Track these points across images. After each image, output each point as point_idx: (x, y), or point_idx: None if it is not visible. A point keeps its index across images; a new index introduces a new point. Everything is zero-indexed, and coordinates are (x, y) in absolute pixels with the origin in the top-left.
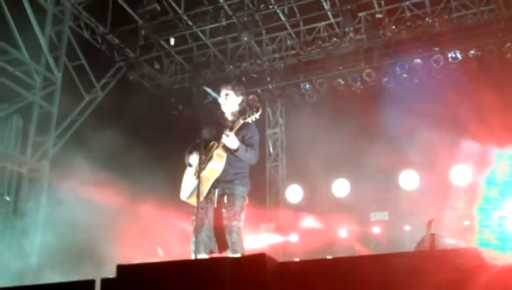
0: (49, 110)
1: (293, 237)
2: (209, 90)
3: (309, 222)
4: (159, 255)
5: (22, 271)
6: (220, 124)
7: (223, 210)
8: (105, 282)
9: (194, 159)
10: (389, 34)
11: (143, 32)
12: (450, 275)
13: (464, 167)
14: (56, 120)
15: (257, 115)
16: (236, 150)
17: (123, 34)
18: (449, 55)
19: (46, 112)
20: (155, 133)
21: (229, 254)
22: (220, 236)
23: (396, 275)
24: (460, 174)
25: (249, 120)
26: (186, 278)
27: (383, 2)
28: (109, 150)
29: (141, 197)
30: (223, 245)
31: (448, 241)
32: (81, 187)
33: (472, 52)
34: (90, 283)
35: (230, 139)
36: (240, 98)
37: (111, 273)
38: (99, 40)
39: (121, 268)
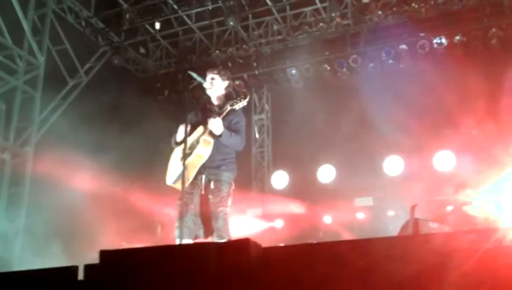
0: (32, 95)
1: (279, 223)
2: (194, 75)
3: (294, 207)
4: (157, 234)
5: (6, 257)
6: (206, 109)
7: (210, 196)
8: (88, 268)
9: (181, 136)
10: (376, 20)
11: (128, 16)
12: (433, 259)
13: (448, 152)
14: (39, 105)
15: (245, 102)
16: (220, 136)
17: (107, 17)
18: (434, 40)
19: (29, 97)
20: (140, 118)
21: (215, 239)
22: (207, 222)
23: (380, 259)
24: (444, 160)
25: (236, 107)
26: (170, 263)
27: None
28: (93, 135)
29: (126, 182)
30: (209, 231)
31: (432, 225)
32: (65, 173)
33: (457, 37)
34: (73, 269)
35: (216, 124)
36: (226, 82)
37: (95, 259)
38: (83, 24)
39: (104, 254)
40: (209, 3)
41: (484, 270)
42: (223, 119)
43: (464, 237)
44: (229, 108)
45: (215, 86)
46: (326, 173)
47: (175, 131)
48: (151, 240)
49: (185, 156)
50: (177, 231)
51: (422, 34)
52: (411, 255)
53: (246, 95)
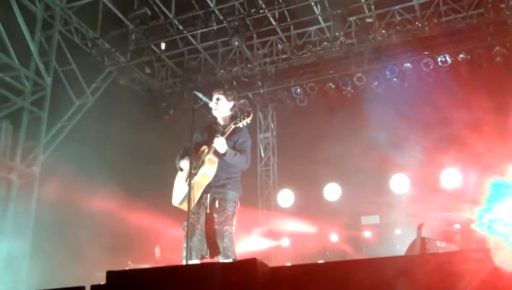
0: (39, 115)
1: (285, 242)
2: (200, 95)
3: (300, 226)
4: (155, 255)
5: (13, 277)
6: (211, 129)
7: (215, 215)
8: (95, 288)
9: (185, 164)
10: (379, 38)
11: (133, 36)
12: (441, 278)
13: (454, 170)
14: (46, 125)
15: (248, 120)
16: (224, 155)
17: (113, 38)
18: (439, 59)
19: (36, 117)
20: (146, 138)
21: (220, 259)
22: (212, 241)
23: (387, 279)
24: (450, 177)
25: (240, 125)
26: (176, 283)
27: (373, 7)
28: (100, 155)
29: (132, 202)
30: (214, 250)
31: (439, 244)
32: (71, 192)
33: (461, 55)
34: None
35: (220, 143)
36: (232, 103)
37: (101, 279)
38: (90, 44)
39: (110, 274)
40: (214, 24)
41: (491, 289)
42: (228, 138)
43: (471, 256)
44: (232, 126)
45: (220, 106)
46: (332, 191)
47: (180, 151)
48: (151, 261)
49: (191, 176)
50: (184, 252)
51: (426, 53)
52: (419, 275)
53: (250, 113)
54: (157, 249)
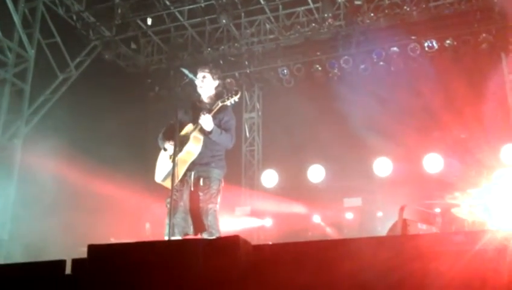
0: (21, 87)
1: (268, 222)
2: (186, 72)
3: (284, 206)
4: (146, 231)
5: None
6: (196, 107)
7: (200, 193)
8: (76, 262)
9: (169, 145)
10: (368, 21)
11: (119, 10)
12: (421, 260)
13: (436, 155)
14: (29, 98)
15: (236, 98)
16: (210, 132)
17: (99, 12)
18: (425, 44)
19: (18, 89)
20: (130, 114)
21: (205, 236)
22: (196, 219)
23: (368, 259)
24: (432, 162)
25: (227, 103)
26: (159, 259)
27: None
28: (83, 130)
29: (115, 178)
30: (199, 228)
31: (420, 227)
32: (53, 167)
33: (448, 41)
34: (61, 263)
35: (206, 120)
36: (217, 82)
37: (83, 254)
38: (75, 17)
39: (92, 248)
40: (202, 0)
41: (471, 272)
42: (213, 116)
43: (451, 239)
44: (220, 104)
45: (206, 84)
46: (316, 173)
47: (163, 129)
48: (139, 237)
49: (175, 153)
50: (167, 228)
51: (413, 37)
52: (399, 256)
53: (238, 91)
54: (147, 226)
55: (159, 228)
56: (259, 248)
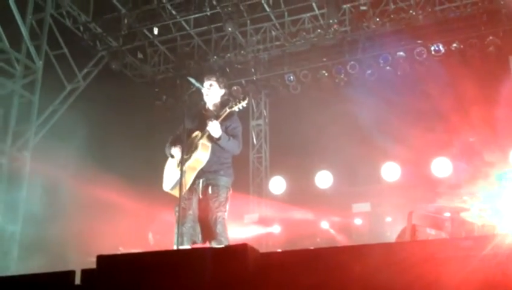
0: (30, 99)
1: (276, 228)
2: (193, 80)
3: (292, 213)
4: (149, 242)
5: (3, 262)
6: (201, 115)
7: (208, 201)
8: (85, 272)
9: (176, 151)
10: (373, 27)
11: (126, 21)
12: (430, 266)
13: (444, 159)
14: (37, 109)
15: (244, 104)
16: (218, 139)
17: (105, 22)
18: (432, 48)
19: (27, 101)
20: (138, 123)
21: (213, 244)
22: (205, 227)
23: (377, 265)
24: (441, 166)
25: (235, 108)
26: (167, 268)
27: None
28: (91, 140)
29: (123, 187)
30: (207, 236)
31: (429, 232)
32: (62, 177)
33: (455, 45)
34: (71, 274)
35: (214, 127)
36: (223, 90)
37: (93, 264)
38: (82, 28)
39: (101, 259)
40: (208, 9)
41: (481, 277)
42: (220, 123)
43: (461, 244)
44: (228, 110)
45: (212, 92)
46: (323, 179)
47: (171, 137)
48: (146, 247)
49: (183, 161)
50: (175, 237)
51: (419, 41)
52: (408, 262)
53: (245, 97)
54: (150, 236)
55: (164, 237)
56: (267, 256)
